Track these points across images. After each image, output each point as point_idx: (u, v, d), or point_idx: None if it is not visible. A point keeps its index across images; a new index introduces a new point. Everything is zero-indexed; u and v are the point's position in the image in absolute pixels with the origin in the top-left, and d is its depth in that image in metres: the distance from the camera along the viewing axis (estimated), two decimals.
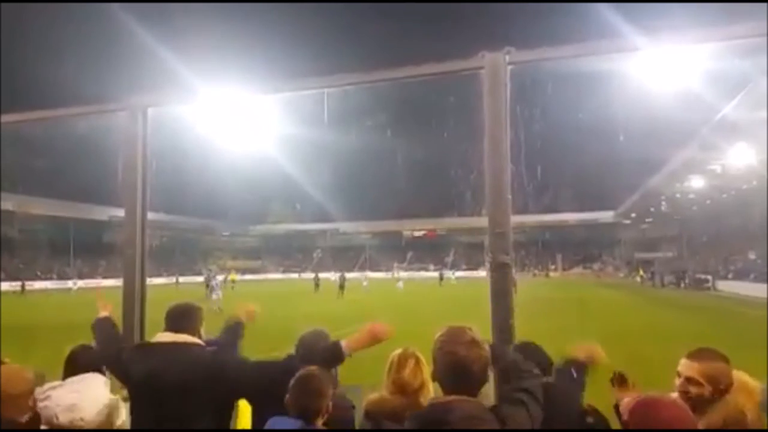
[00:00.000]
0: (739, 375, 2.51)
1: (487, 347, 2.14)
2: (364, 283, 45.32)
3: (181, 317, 3.09)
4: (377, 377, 2.92)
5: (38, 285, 58.06)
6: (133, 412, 2.98)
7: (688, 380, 2.40)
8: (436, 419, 1.99)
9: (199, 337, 3.09)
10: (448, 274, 65.18)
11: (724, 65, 3.54)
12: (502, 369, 2.42)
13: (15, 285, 51.49)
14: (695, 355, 2.48)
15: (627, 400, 2.32)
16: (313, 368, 2.67)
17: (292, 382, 2.64)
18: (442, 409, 2.00)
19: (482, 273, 64.47)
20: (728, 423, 2.27)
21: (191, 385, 2.86)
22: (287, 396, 2.61)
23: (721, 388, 2.35)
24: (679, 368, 2.48)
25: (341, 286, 38.34)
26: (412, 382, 2.67)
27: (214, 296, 26.49)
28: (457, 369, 2.05)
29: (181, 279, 67.36)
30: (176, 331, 3.02)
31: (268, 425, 2.60)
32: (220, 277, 39.80)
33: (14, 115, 4.33)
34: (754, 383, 2.56)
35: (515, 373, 2.33)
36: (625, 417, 2.18)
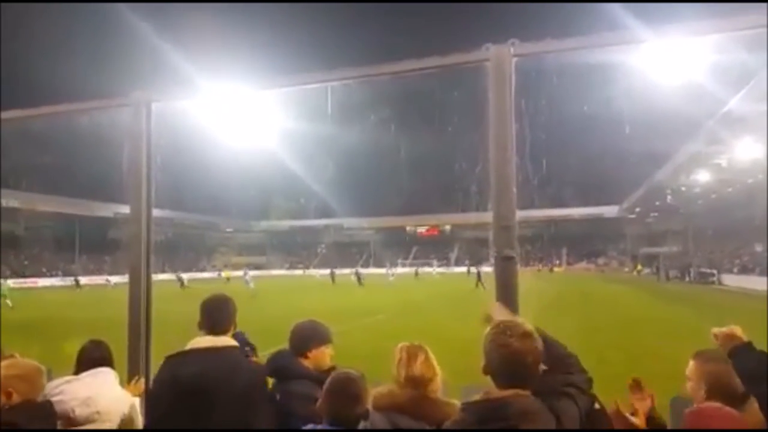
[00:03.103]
0: None
1: (540, 340, 2.11)
2: (390, 278, 49.65)
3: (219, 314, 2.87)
4: (373, 372, 2.92)
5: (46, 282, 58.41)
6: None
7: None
8: (494, 414, 1.97)
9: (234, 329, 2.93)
10: (429, 269, 70.73)
11: (729, 58, 3.52)
12: (551, 360, 2.34)
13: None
14: (700, 355, 2.56)
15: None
16: (349, 371, 2.62)
17: (326, 386, 2.57)
18: (499, 404, 1.98)
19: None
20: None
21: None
22: (320, 401, 2.56)
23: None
24: (689, 373, 2.55)
25: (359, 279, 47.01)
26: (424, 374, 2.65)
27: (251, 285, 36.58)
28: (511, 362, 2.01)
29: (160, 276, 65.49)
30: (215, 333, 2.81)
31: None
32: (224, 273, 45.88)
33: (18, 111, 4.34)
34: None
35: (563, 368, 2.31)
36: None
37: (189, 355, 2.71)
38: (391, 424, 2.52)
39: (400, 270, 72.96)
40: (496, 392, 2.03)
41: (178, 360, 2.72)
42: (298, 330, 3.19)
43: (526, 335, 2.05)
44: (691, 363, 2.55)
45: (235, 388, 2.60)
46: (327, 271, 55.17)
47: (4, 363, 2.90)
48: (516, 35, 2.94)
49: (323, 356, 3.12)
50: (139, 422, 3.28)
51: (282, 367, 3.06)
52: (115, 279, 47.57)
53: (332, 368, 3.09)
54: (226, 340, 2.79)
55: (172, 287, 39.47)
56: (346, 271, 60.65)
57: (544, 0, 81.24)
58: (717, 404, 2.25)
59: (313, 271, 78.61)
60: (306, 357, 3.09)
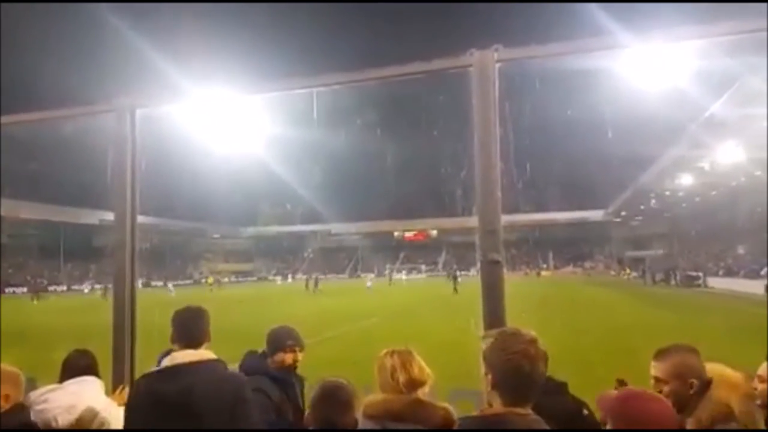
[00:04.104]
0: (718, 368, 2.48)
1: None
2: (368, 284, 49.34)
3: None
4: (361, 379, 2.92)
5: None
6: None
7: (657, 380, 2.39)
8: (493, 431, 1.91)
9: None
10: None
11: (711, 63, 3.56)
12: None
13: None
14: (660, 354, 2.46)
15: (604, 395, 2.28)
16: (338, 379, 2.62)
17: (315, 393, 2.57)
18: (498, 420, 1.91)
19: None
20: (716, 420, 2.23)
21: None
22: (308, 412, 2.54)
23: (691, 382, 2.31)
24: (651, 370, 2.47)
25: (316, 285, 48.23)
26: (421, 377, 2.66)
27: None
28: (525, 369, 1.90)
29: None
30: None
31: None
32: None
33: (0, 118, 4.29)
34: (736, 375, 2.52)
35: None
36: (604, 411, 2.14)
37: (173, 370, 2.63)
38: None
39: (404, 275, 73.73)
40: (497, 408, 1.96)
41: (160, 376, 2.65)
42: (269, 333, 3.49)
43: (535, 341, 1.98)
44: (659, 364, 2.41)
45: (223, 400, 2.57)
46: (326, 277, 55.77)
47: None
48: (501, 41, 2.96)
49: (286, 358, 3.39)
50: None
51: (243, 363, 3.37)
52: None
53: (290, 367, 3.37)
54: (207, 353, 2.73)
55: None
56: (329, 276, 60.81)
57: (529, 0, 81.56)
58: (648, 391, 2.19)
59: (299, 277, 78.61)
60: (272, 358, 3.38)
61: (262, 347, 3.51)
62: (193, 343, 2.73)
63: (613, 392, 2.33)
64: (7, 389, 2.78)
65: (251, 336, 3.86)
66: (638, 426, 1.94)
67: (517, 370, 1.91)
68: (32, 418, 2.93)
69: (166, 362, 2.67)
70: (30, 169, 53.35)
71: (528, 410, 1.94)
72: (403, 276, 72.20)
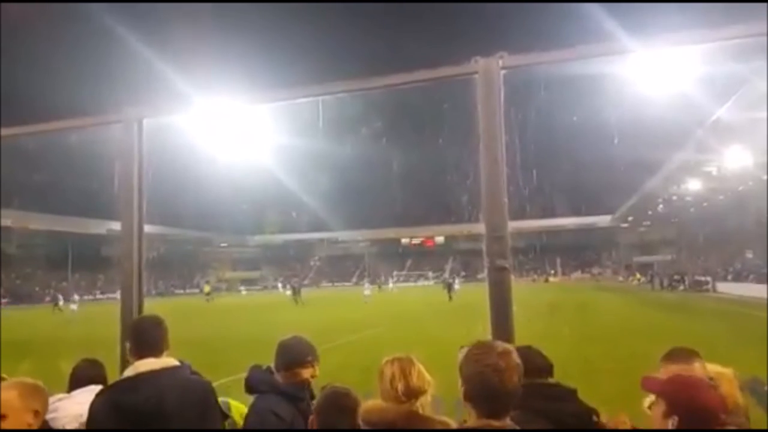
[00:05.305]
0: (712, 367, 2.60)
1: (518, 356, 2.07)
2: (366, 292, 46.97)
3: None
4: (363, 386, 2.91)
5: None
6: None
7: None
8: None
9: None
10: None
11: (717, 67, 3.55)
12: None
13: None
14: (666, 357, 2.60)
15: (650, 377, 2.37)
16: (341, 386, 2.63)
17: (319, 400, 2.58)
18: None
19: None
20: (729, 412, 2.29)
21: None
22: (312, 417, 2.56)
23: None
24: (660, 375, 2.52)
25: (297, 293, 44.79)
26: (421, 386, 2.66)
27: None
28: (494, 383, 1.91)
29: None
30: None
31: None
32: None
33: (8, 129, 4.31)
34: (728, 371, 2.64)
35: None
36: (654, 392, 2.22)
37: (137, 380, 2.58)
38: None
39: (391, 283, 73.18)
40: (473, 422, 1.97)
41: (123, 387, 2.61)
42: (283, 346, 3.23)
43: (507, 353, 2.00)
44: (668, 366, 2.56)
45: (191, 405, 2.56)
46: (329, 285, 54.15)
47: (7, 383, 2.84)
48: (505, 48, 2.97)
49: (305, 373, 3.16)
50: None
51: (249, 379, 3.15)
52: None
53: (304, 381, 3.14)
54: (170, 360, 2.70)
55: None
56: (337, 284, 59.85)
57: (534, 0, 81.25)
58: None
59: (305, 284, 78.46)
60: (286, 372, 3.14)
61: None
62: (154, 352, 2.69)
63: (661, 376, 2.43)
64: (37, 405, 2.70)
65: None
66: (697, 412, 2.06)
67: (486, 383, 1.93)
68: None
69: (128, 372, 2.64)
70: (38, 180, 53.68)
71: (505, 422, 1.94)
72: (390, 284, 71.72)
